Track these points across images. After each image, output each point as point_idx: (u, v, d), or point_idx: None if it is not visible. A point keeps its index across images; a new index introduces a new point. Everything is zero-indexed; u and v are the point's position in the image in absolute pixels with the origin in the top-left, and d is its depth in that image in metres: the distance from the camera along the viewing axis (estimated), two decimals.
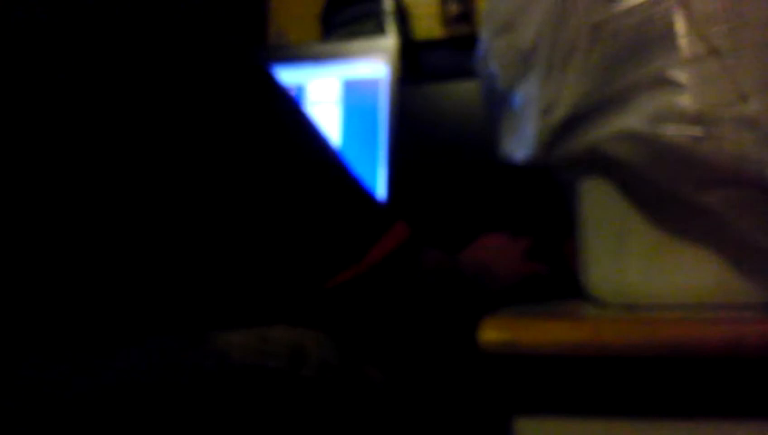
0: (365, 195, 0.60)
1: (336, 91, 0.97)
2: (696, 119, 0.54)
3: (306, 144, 0.58)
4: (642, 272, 0.62)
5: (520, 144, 0.66)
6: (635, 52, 0.57)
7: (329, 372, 0.53)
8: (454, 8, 1.21)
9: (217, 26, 0.56)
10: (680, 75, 0.55)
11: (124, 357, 0.48)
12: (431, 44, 1.23)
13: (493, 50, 0.68)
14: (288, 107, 0.58)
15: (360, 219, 0.58)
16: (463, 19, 1.21)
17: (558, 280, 0.78)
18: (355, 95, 0.96)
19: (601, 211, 0.65)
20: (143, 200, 0.52)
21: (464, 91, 1.06)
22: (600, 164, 0.62)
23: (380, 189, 0.91)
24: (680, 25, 0.55)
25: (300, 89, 0.99)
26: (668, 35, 0.56)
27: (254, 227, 0.55)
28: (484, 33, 0.70)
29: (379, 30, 1.15)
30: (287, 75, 0.99)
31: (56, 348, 0.48)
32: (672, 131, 0.55)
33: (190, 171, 0.53)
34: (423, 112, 1.07)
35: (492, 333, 0.54)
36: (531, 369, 0.58)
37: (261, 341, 0.52)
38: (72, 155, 0.50)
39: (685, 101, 0.55)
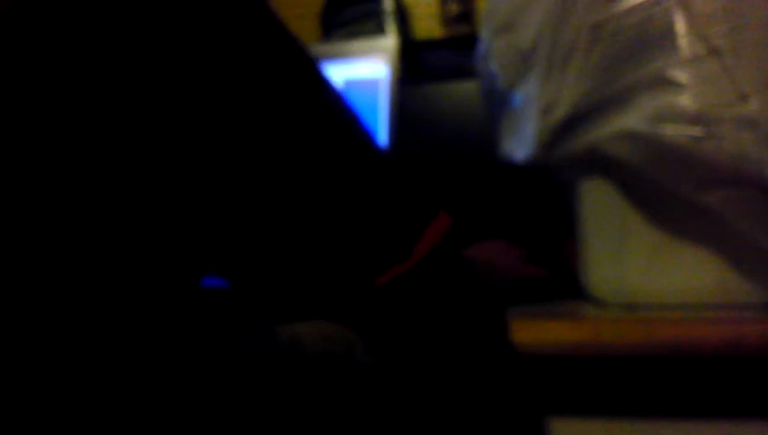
0: (407, 181, 0.58)
1: None
2: (696, 119, 0.54)
3: (350, 132, 0.56)
4: (642, 272, 0.62)
5: (520, 144, 0.66)
6: (635, 52, 0.57)
7: (376, 362, 0.54)
8: (454, 8, 1.21)
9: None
10: (680, 75, 0.55)
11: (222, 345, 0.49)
12: (431, 44, 1.23)
13: (493, 50, 0.68)
14: (331, 93, 0.56)
15: (406, 209, 0.56)
16: (463, 19, 1.21)
17: (557, 283, 0.78)
18: (355, 95, 0.96)
19: (601, 211, 0.65)
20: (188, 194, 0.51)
21: (464, 91, 1.06)
22: (600, 164, 0.62)
23: None
24: (680, 25, 0.56)
25: None
26: (668, 35, 0.56)
27: (295, 223, 0.53)
28: (484, 33, 0.70)
29: (379, 30, 1.15)
30: None
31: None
32: (672, 131, 0.55)
33: (225, 165, 0.52)
34: (423, 112, 1.07)
35: None
36: (530, 368, 0.58)
37: (320, 331, 0.53)
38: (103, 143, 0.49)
39: (685, 101, 0.55)
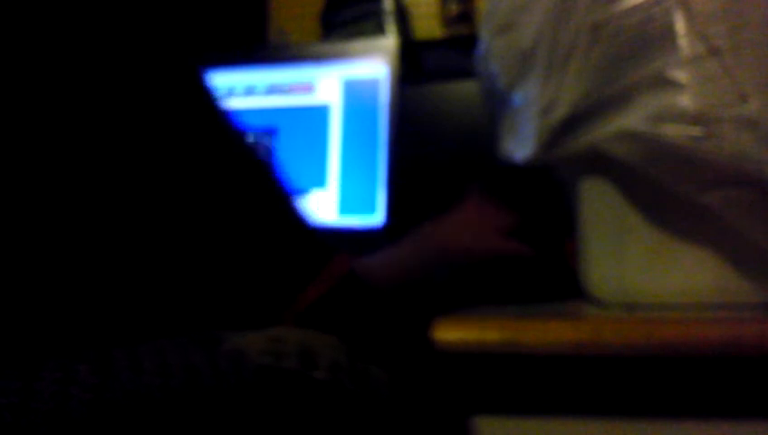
0: (299, 230, 0.57)
1: (336, 91, 0.97)
2: (696, 119, 0.54)
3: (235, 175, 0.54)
4: (642, 272, 0.62)
5: (520, 144, 0.66)
6: (635, 52, 0.57)
7: (340, 374, 0.53)
8: (454, 8, 1.21)
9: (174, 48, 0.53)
10: (680, 75, 0.55)
11: (141, 357, 0.47)
12: (431, 44, 1.23)
13: (493, 50, 0.68)
14: (226, 131, 0.55)
15: (292, 257, 0.55)
16: (463, 19, 1.21)
17: (542, 266, 0.75)
18: (355, 95, 0.96)
19: (601, 211, 0.65)
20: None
21: (464, 91, 1.06)
22: (600, 164, 0.62)
23: (380, 190, 0.91)
24: (680, 25, 0.56)
25: (300, 88, 0.99)
26: (668, 35, 0.56)
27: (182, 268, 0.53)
28: (484, 33, 0.70)
29: (379, 30, 1.15)
30: (287, 75, 0.99)
31: (65, 349, 0.47)
32: (672, 131, 0.55)
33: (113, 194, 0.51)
34: (423, 112, 1.07)
35: (493, 332, 0.55)
36: (533, 369, 0.58)
37: (273, 342, 0.52)
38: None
39: (685, 101, 0.55)
